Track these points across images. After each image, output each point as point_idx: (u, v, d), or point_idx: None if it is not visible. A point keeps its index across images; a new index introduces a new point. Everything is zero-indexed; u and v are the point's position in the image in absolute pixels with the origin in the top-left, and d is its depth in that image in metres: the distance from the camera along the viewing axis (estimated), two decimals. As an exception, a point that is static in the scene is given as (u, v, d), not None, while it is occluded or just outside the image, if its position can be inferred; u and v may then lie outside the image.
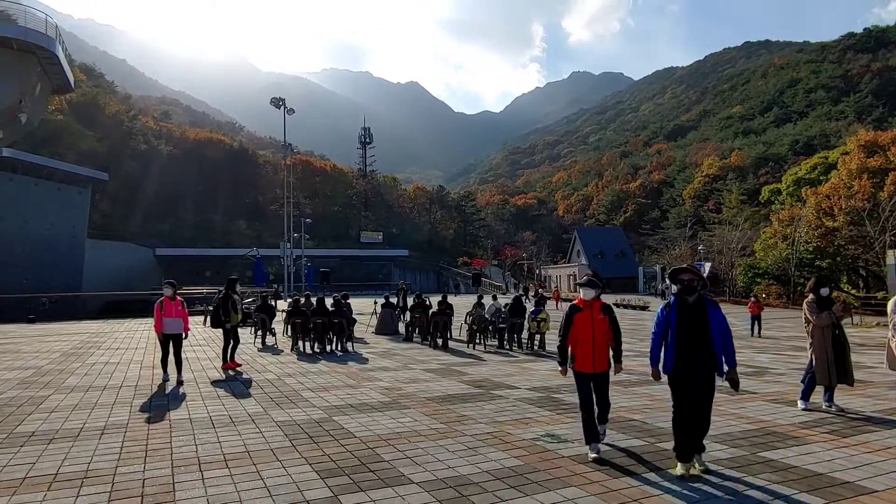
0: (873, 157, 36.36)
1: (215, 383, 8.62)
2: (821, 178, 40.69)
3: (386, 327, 17.37)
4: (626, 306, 38.34)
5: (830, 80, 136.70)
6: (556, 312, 27.13)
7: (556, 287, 37.91)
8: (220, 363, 10.22)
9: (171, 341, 8.46)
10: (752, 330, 19.75)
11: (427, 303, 17.40)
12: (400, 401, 7.25)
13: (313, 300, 13.64)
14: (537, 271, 76.10)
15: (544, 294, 34.71)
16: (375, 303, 18.46)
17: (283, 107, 43.39)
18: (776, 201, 44.17)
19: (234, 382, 8.74)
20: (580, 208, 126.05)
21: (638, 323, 24.64)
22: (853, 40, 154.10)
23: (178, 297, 8.52)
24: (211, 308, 10.03)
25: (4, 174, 38.86)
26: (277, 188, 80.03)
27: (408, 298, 20.51)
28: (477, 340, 13.96)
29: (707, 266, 43.48)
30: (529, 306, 14.75)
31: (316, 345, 12.59)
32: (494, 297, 17.64)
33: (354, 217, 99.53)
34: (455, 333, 16.93)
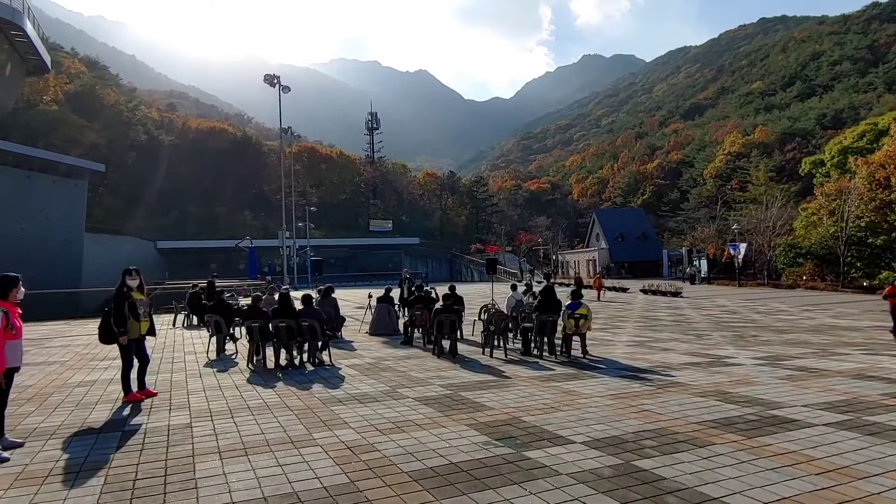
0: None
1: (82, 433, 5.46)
2: (870, 146, 36.64)
3: (382, 326, 14.20)
4: (654, 292, 34.82)
5: (856, 51, 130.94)
6: (598, 306, 23.71)
7: (599, 272, 32.92)
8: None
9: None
10: None
11: (433, 294, 14.22)
12: (360, 484, 4.03)
13: (276, 296, 10.43)
14: (554, 257, 72.52)
15: (580, 278, 31.11)
16: (370, 296, 15.27)
17: (278, 84, 40.38)
18: (818, 174, 40.19)
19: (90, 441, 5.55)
20: (596, 191, 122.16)
21: (677, 314, 21.16)
22: (878, 10, 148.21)
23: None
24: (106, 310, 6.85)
25: None
26: (285, 177, 76.89)
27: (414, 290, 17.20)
28: (496, 343, 10.72)
29: (742, 247, 39.79)
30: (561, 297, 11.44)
31: (283, 355, 9.40)
32: (513, 287, 14.35)
33: (363, 205, 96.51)
34: (467, 331, 13.71)
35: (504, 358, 10.06)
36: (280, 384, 7.87)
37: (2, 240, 36.43)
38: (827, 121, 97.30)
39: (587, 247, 70.30)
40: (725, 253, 50.80)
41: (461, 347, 11.40)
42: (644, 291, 35.10)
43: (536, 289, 14.17)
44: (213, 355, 10.77)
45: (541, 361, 9.71)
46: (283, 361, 9.39)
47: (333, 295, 13.63)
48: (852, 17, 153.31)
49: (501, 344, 10.68)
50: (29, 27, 31.51)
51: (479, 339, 12.76)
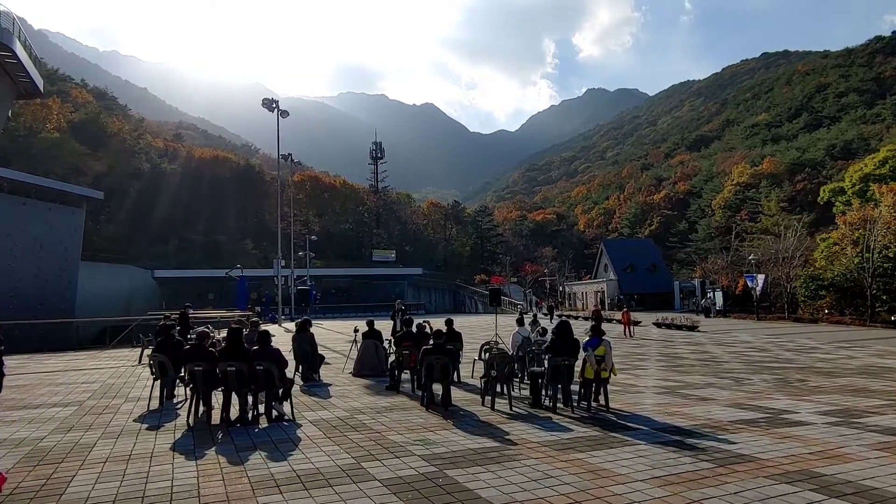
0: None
1: None
2: (893, 173, 34.86)
3: (368, 366, 12.27)
4: (669, 326, 32.70)
5: (862, 83, 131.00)
6: (624, 344, 21.31)
7: (626, 306, 29.47)
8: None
9: None
10: None
11: (427, 329, 12.34)
12: None
13: (242, 331, 8.55)
14: (560, 288, 70.41)
15: (600, 311, 28.59)
16: (356, 330, 13.39)
17: (276, 109, 39.28)
18: (838, 202, 38.36)
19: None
20: (602, 222, 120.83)
21: (700, 350, 19.10)
22: (881, 44, 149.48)
23: None
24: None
25: None
26: (285, 206, 75.80)
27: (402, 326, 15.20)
28: (499, 390, 8.80)
29: (760, 279, 37.74)
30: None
31: (237, 405, 7.51)
32: (520, 322, 12.47)
33: (366, 235, 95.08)
34: (466, 371, 11.80)
35: (509, 411, 8.12)
36: (212, 452, 5.97)
37: (-5, 267, 35.13)
38: (837, 151, 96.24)
39: (595, 278, 68.19)
40: (740, 285, 48.71)
41: (457, 394, 9.47)
42: (658, 325, 33.01)
43: (543, 322, 12.33)
44: (155, 403, 8.88)
45: (554, 417, 7.76)
46: (234, 413, 7.50)
47: (311, 329, 11.77)
48: (856, 50, 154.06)
49: (506, 391, 8.74)
50: (18, 47, 30.46)
51: (477, 382, 10.85)
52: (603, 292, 59.88)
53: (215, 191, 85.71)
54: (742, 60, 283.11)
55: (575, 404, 8.40)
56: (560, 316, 48.70)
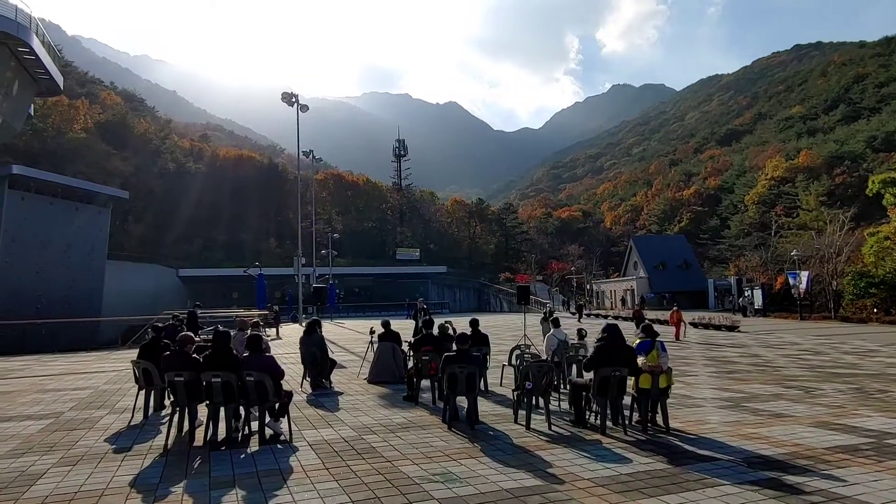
0: None
1: None
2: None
3: (385, 372, 11.06)
4: (707, 326, 30.89)
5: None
6: (676, 350, 18.11)
7: (676, 305, 26.42)
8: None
9: None
10: None
11: (449, 331, 11.07)
12: None
13: (232, 332, 7.40)
14: (588, 286, 68.48)
15: (642, 312, 26.36)
16: (372, 331, 12.17)
17: (296, 103, 38.43)
18: (887, 193, 35.95)
19: None
20: (629, 219, 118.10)
21: (749, 354, 17.41)
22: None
23: None
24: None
25: (15, 193, 35.49)
26: (308, 204, 75.31)
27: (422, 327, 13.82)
28: (535, 403, 7.46)
29: (804, 276, 35.56)
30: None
31: (224, 423, 6.34)
32: (555, 322, 11.12)
33: (390, 233, 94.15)
34: (494, 378, 10.49)
35: (547, 431, 6.78)
36: (178, 489, 4.77)
37: (22, 267, 35.21)
38: (878, 143, 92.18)
39: (623, 275, 66.14)
40: (779, 282, 46.38)
41: (484, 407, 8.17)
42: (695, 325, 31.20)
43: (571, 321, 10.91)
44: (140, 416, 7.76)
45: (604, 440, 6.39)
46: (224, 431, 6.31)
47: (320, 331, 10.59)
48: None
49: (542, 405, 7.40)
50: (36, 43, 30.08)
51: (507, 391, 9.54)
52: (633, 290, 57.86)
53: (239, 190, 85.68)
54: (773, 53, 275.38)
55: (626, 422, 7.02)
56: (588, 315, 47.01)
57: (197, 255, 76.26)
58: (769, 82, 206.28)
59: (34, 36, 30.01)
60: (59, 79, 34.98)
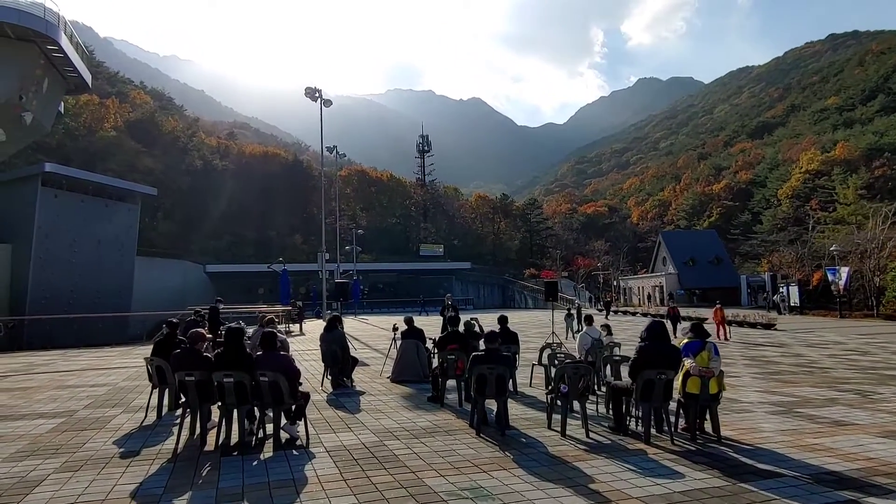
0: None
1: None
2: None
3: (409, 371, 10.60)
4: (742, 324, 29.80)
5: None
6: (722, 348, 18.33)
7: (719, 303, 25.74)
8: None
9: None
10: None
11: (476, 328, 10.59)
12: None
13: (249, 330, 7.00)
14: (615, 282, 67.20)
15: (678, 309, 25.33)
16: (395, 328, 11.72)
17: (319, 98, 38.19)
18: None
19: None
20: (656, 214, 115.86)
21: (791, 353, 16.52)
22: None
23: None
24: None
25: (49, 190, 36.15)
26: (332, 200, 75.54)
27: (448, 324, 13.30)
28: (571, 407, 6.89)
29: (844, 272, 34.12)
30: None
31: (237, 426, 5.94)
32: (588, 320, 10.52)
33: (414, 229, 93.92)
34: (523, 377, 9.95)
35: (585, 439, 6.23)
36: (184, 501, 4.35)
37: (54, 264, 35.75)
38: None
39: (652, 272, 64.70)
40: (815, 278, 44.74)
41: (515, 410, 7.65)
42: (728, 322, 30.09)
43: (598, 318, 10.28)
44: (153, 416, 7.44)
45: (649, 451, 5.81)
46: (237, 434, 5.91)
47: (341, 327, 10.17)
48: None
49: (578, 409, 6.83)
50: (64, 41, 30.38)
51: (537, 392, 9.01)
52: (662, 286, 56.51)
53: (265, 187, 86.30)
54: (806, 43, 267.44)
55: (672, 430, 6.41)
56: (615, 312, 45.94)
57: (225, 250, 77.10)
58: (802, 73, 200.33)
59: (62, 34, 30.30)
60: (88, 76, 35.31)
